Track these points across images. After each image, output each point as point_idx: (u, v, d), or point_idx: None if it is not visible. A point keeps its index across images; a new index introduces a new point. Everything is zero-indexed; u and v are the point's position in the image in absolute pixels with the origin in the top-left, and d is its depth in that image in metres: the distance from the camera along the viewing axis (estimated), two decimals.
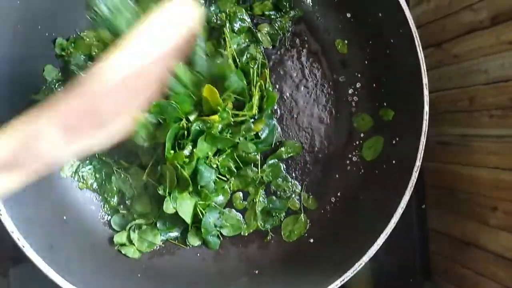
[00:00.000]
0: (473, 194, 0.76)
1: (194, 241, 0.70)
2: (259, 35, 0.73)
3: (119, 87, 0.46)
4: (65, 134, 0.43)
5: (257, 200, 0.72)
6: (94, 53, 0.68)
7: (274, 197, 0.73)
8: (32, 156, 0.42)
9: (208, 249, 0.71)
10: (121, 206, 0.70)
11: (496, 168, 0.71)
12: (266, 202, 0.73)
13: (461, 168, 0.79)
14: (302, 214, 0.73)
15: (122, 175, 0.69)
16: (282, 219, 0.73)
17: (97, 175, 0.69)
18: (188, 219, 0.66)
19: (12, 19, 0.59)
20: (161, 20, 0.49)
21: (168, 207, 0.64)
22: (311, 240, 0.72)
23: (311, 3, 0.75)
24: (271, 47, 0.75)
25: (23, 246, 0.53)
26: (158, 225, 0.68)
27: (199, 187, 0.65)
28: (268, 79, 0.71)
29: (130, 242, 0.67)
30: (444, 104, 0.82)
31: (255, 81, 0.69)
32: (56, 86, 0.67)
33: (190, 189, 0.64)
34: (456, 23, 0.77)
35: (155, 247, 0.69)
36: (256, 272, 0.69)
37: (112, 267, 0.65)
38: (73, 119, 0.44)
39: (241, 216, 0.72)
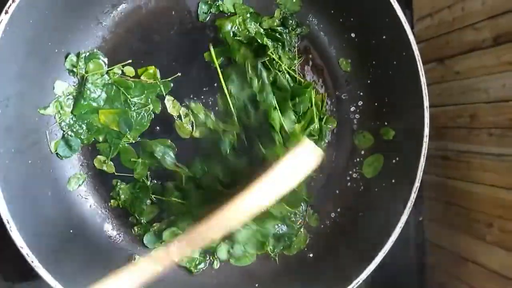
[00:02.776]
0: (470, 210, 0.77)
1: (223, 255, 0.72)
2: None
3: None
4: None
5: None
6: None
7: (286, 223, 0.74)
8: None
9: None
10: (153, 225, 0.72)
11: (493, 186, 0.71)
12: (277, 227, 0.74)
13: (459, 183, 0.80)
14: (302, 229, 0.75)
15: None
16: (290, 244, 0.74)
17: (132, 195, 0.72)
18: None
19: (25, 37, 0.60)
20: (290, 165, 0.56)
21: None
22: (311, 255, 0.73)
23: (316, 22, 0.76)
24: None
25: (32, 262, 0.55)
26: None
27: None
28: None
29: None
30: (445, 119, 0.82)
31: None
32: (66, 101, 0.68)
33: None
34: (459, 40, 0.77)
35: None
36: (257, 285, 0.71)
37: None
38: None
39: None
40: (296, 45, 0.76)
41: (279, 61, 0.72)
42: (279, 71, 0.72)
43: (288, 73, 0.74)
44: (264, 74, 0.70)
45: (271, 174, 0.55)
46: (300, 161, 0.57)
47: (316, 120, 0.73)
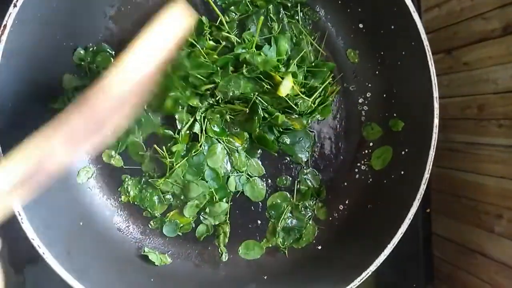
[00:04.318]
0: (479, 202, 0.77)
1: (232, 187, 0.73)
2: None
3: (118, 97, 0.48)
4: (68, 145, 0.46)
5: (283, 216, 0.74)
6: None
7: (295, 216, 0.75)
8: (41, 172, 0.45)
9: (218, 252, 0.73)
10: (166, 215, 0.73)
11: (503, 177, 0.71)
12: (288, 219, 0.74)
13: (468, 175, 0.79)
14: (310, 221, 0.75)
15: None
16: (300, 237, 0.74)
17: (142, 190, 0.72)
18: None
19: (33, 31, 0.60)
20: (158, 31, 0.51)
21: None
22: (319, 247, 0.74)
23: (324, 13, 0.75)
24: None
25: (43, 253, 0.55)
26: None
27: None
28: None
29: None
30: (453, 111, 0.82)
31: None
32: (74, 95, 0.68)
33: None
34: (467, 30, 0.77)
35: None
36: (265, 277, 0.71)
37: (125, 271, 0.67)
38: (76, 132, 0.47)
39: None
40: (310, 22, 0.75)
41: (303, 30, 0.71)
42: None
43: (312, 44, 0.73)
44: (286, 20, 0.69)
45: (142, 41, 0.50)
46: (170, 24, 0.51)
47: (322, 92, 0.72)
